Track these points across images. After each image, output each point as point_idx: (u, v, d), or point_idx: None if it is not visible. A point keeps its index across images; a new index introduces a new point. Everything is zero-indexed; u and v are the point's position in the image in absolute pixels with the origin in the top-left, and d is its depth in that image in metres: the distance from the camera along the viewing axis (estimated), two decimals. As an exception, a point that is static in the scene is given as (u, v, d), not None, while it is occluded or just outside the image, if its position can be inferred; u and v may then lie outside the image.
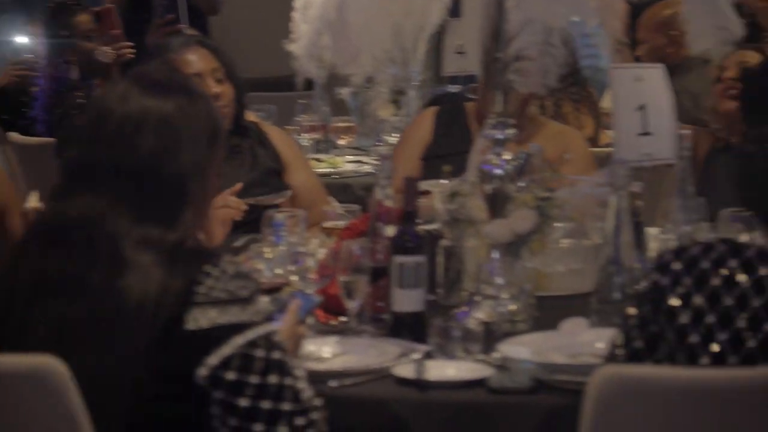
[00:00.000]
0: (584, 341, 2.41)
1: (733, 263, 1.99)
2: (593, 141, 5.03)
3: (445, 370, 2.35)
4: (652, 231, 3.05)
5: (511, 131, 2.82)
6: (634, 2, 5.51)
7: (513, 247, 2.74)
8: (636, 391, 1.83)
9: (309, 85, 3.20)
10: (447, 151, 3.64)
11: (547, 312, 2.73)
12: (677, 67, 4.87)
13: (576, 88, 5.18)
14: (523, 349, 2.37)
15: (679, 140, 2.96)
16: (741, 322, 1.95)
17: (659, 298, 2.02)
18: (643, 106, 3.04)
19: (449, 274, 2.92)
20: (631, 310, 2.05)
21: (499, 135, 2.82)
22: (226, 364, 1.98)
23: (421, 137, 3.75)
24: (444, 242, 2.93)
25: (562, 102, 5.16)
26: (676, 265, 2.02)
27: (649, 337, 2.02)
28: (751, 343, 1.94)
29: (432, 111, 3.88)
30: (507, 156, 2.82)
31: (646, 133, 3.01)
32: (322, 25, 2.81)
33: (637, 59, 5.03)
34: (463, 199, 2.94)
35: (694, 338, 1.97)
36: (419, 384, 2.27)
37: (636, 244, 2.69)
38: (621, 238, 2.64)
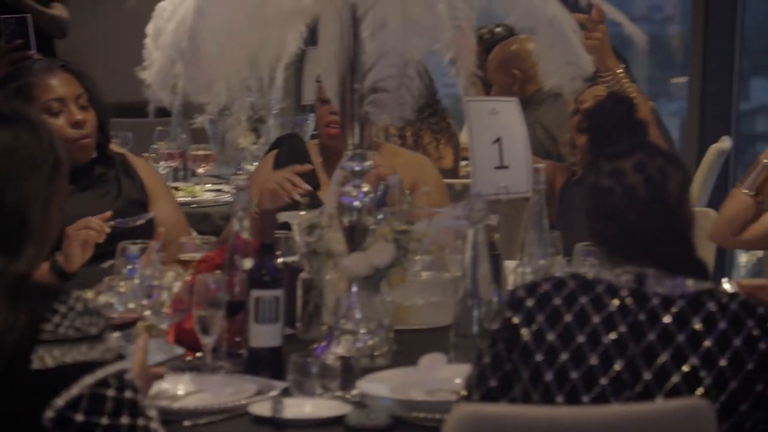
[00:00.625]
0: (443, 377, 2.40)
1: (584, 300, 2.00)
2: (453, 172, 5.06)
3: (302, 407, 2.31)
4: (509, 264, 3.06)
5: (369, 163, 2.81)
6: (486, 39, 5.59)
7: (371, 281, 2.72)
8: (492, 430, 1.81)
9: (164, 112, 3.15)
10: None
11: (407, 346, 2.72)
12: (529, 100, 4.93)
13: (435, 119, 5.21)
14: (382, 386, 2.35)
15: (534, 174, 2.98)
16: (593, 360, 1.97)
17: (512, 336, 2.02)
18: (499, 139, 3.05)
19: (308, 308, 2.89)
20: (485, 349, 2.05)
21: (356, 167, 2.81)
22: (74, 405, 1.90)
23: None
24: (303, 275, 2.90)
25: (422, 132, 5.19)
26: (529, 302, 2.03)
27: (503, 376, 2.02)
28: (603, 381, 1.95)
29: (271, 155, 3.88)
30: (365, 188, 2.81)
31: (502, 167, 3.02)
32: (174, 53, 2.75)
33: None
34: (322, 232, 2.92)
35: (548, 376, 1.97)
36: (275, 422, 2.23)
37: (494, 278, 2.70)
38: (478, 271, 2.64)
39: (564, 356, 1.98)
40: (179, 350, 2.53)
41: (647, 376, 1.96)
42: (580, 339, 1.99)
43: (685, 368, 1.95)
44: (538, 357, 1.99)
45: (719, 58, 7.19)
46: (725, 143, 5.57)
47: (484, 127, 3.06)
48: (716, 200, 6.19)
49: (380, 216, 2.94)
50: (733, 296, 2.02)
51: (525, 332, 2.01)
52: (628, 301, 2.01)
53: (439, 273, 3.06)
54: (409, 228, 2.77)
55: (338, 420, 2.26)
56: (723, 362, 1.95)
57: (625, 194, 2.03)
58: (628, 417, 1.82)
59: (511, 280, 2.97)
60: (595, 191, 2.07)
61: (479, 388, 2.04)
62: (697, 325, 1.98)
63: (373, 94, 2.76)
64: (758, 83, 7.56)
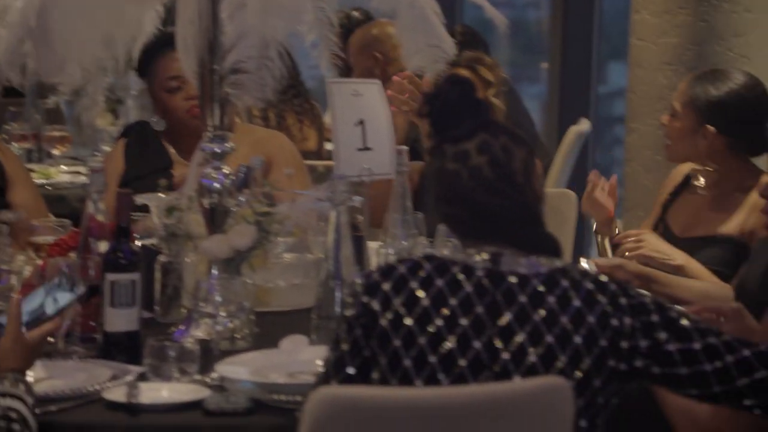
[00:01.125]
0: (304, 359, 2.37)
1: (440, 282, 1.99)
2: (317, 154, 5.03)
3: (159, 392, 2.26)
4: (373, 245, 3.05)
5: (229, 145, 2.76)
6: (343, 24, 5.56)
7: (232, 263, 2.68)
8: (352, 413, 1.80)
9: (16, 91, 3.04)
10: (144, 172, 3.56)
11: (268, 328, 2.68)
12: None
13: (299, 100, 5.17)
14: (242, 369, 2.31)
15: (397, 155, 2.97)
16: (451, 342, 1.96)
17: (370, 322, 2.00)
18: (362, 121, 3.04)
19: (167, 291, 2.84)
20: (342, 335, 2.02)
21: (217, 148, 2.76)
22: None
23: (114, 169, 3.65)
24: (161, 258, 2.84)
25: (285, 114, 5.15)
26: (385, 286, 2.01)
27: (362, 362, 1.99)
28: (462, 362, 1.94)
29: (122, 142, 3.80)
30: (226, 170, 2.76)
31: (365, 148, 3.01)
32: (22, 31, 2.66)
33: None
34: (181, 214, 2.86)
35: (407, 362, 1.95)
36: (130, 408, 2.17)
37: (357, 259, 2.68)
38: (341, 252, 2.62)
39: (422, 340, 1.96)
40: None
41: (505, 355, 1.95)
42: (438, 322, 1.97)
43: (542, 347, 1.96)
44: (396, 342, 1.97)
45: (578, 42, 7.30)
46: (584, 125, 5.65)
47: (347, 109, 3.04)
48: (575, 181, 6.30)
49: (242, 198, 2.90)
50: (586, 274, 2.02)
51: (382, 317, 1.99)
52: (485, 281, 2.00)
53: (302, 255, 3.03)
54: (271, 210, 2.73)
55: (197, 404, 2.21)
56: (578, 339, 1.95)
57: (470, 176, 2.02)
58: (487, 397, 1.81)
59: (374, 262, 2.96)
60: (441, 175, 2.05)
61: (337, 375, 2.00)
62: (552, 304, 1.98)
63: (233, 75, 2.71)
64: (615, 67, 7.71)
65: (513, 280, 2.00)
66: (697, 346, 1.96)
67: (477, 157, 2.02)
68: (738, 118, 3.19)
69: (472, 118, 2.05)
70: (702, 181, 3.31)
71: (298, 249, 3.05)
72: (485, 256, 2.01)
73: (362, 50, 5.18)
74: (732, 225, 3.19)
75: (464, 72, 3.59)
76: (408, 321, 1.97)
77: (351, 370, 1.99)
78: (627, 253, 3.10)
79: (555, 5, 7.39)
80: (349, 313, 2.03)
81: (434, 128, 2.08)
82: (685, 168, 3.40)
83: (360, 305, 2.01)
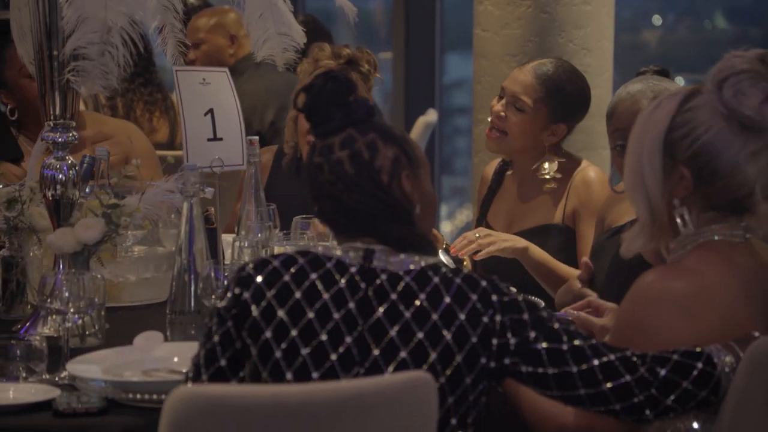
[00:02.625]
0: (159, 356, 2.31)
1: (313, 276, 1.97)
2: (170, 146, 4.92)
3: (5, 393, 2.18)
4: (227, 238, 3.00)
5: (72, 134, 2.67)
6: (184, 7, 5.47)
7: (80, 257, 2.59)
8: (213, 411, 1.75)
9: None
10: None
11: (120, 324, 2.62)
12: (233, 70, 4.86)
13: (148, 89, 5.04)
14: (94, 367, 2.24)
15: (249, 146, 2.92)
16: (323, 336, 1.93)
17: (242, 313, 1.96)
18: (211, 111, 2.97)
19: (10, 287, 2.75)
20: (213, 328, 1.98)
21: (59, 138, 2.66)
22: None
23: None
24: (3, 252, 2.74)
25: (134, 104, 5.02)
26: (258, 279, 1.98)
27: (233, 354, 1.95)
28: (333, 357, 1.92)
29: None
30: (69, 160, 2.67)
31: (215, 139, 2.94)
32: None
33: (191, 63, 4.95)
34: (23, 206, 2.76)
35: (277, 353, 1.92)
36: (-24, 411, 2.08)
37: (211, 252, 2.62)
38: (194, 245, 2.56)
39: (293, 332, 1.94)
40: None
41: (376, 352, 1.94)
42: (310, 315, 1.95)
43: (412, 344, 1.94)
44: (268, 333, 1.94)
45: (421, 32, 7.35)
46: (432, 116, 5.70)
47: (195, 98, 2.96)
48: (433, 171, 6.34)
49: (87, 189, 2.81)
50: (457, 271, 2.01)
51: (254, 309, 1.96)
52: (357, 277, 1.98)
53: (153, 248, 2.96)
54: (120, 202, 2.65)
55: (46, 404, 2.13)
56: (448, 337, 1.95)
57: (331, 171, 2.00)
58: (351, 392, 1.79)
59: (228, 254, 2.91)
60: (308, 169, 2.04)
61: (208, 369, 1.96)
62: (423, 301, 1.96)
63: (74, 62, 2.62)
64: (454, 58, 7.79)
65: (384, 276, 1.98)
66: (564, 347, 1.96)
67: (339, 152, 2.00)
68: (579, 109, 3.26)
69: (344, 114, 2.02)
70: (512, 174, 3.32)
71: (148, 242, 2.97)
72: (358, 252, 2.00)
73: (217, 29, 5.11)
74: (552, 213, 3.23)
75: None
76: (280, 313, 1.95)
77: (222, 362, 1.96)
78: (482, 251, 3.08)
79: (397, -3, 7.42)
80: (220, 304, 1.99)
81: (309, 122, 2.05)
82: (494, 165, 3.42)
83: (232, 297, 1.98)
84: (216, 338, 1.97)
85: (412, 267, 1.99)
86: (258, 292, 1.97)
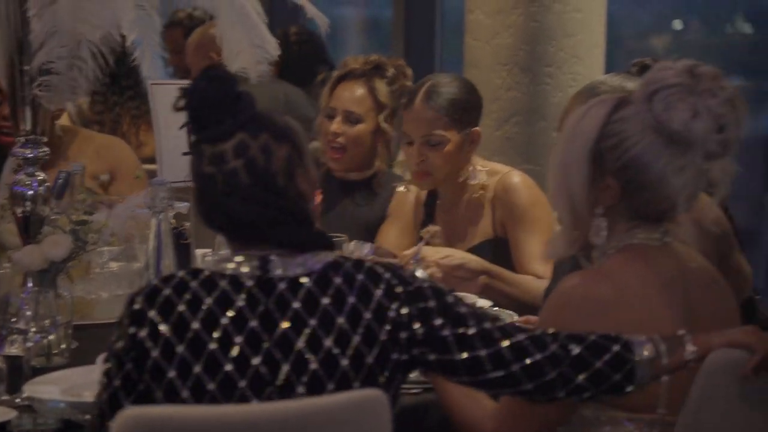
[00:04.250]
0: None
1: (208, 300, 1.87)
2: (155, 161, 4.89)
3: (-37, 414, 2.14)
4: (199, 252, 2.96)
5: (43, 150, 2.64)
6: (185, 23, 5.44)
7: (47, 275, 2.56)
8: (157, 431, 1.71)
9: None
10: None
11: (90, 342, 2.56)
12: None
13: (136, 103, 5.02)
14: (52, 388, 2.20)
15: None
16: (228, 366, 1.84)
17: (141, 354, 1.85)
18: (187, 125, 2.93)
19: (-20, 305, 2.70)
20: (114, 370, 1.87)
21: (29, 153, 2.64)
22: None
23: None
24: (-27, 270, 2.71)
25: (121, 118, 4.99)
26: (151, 313, 1.86)
27: (137, 398, 1.85)
28: (242, 384, 1.83)
29: None
30: (40, 176, 2.64)
31: (190, 153, 2.90)
32: None
33: None
34: (-7, 223, 2.73)
35: (184, 393, 1.83)
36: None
37: (182, 267, 2.58)
38: (162, 261, 2.53)
39: (197, 369, 1.83)
40: None
41: (286, 367, 1.85)
42: (212, 346, 1.84)
43: (322, 353, 1.85)
44: (171, 374, 1.84)
45: (420, 42, 7.32)
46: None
47: (171, 112, 2.92)
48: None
49: (59, 206, 2.78)
50: (359, 266, 1.92)
51: (153, 349, 1.84)
52: (255, 290, 1.88)
53: (127, 264, 2.92)
54: (88, 218, 2.62)
55: (2, 427, 2.10)
56: (357, 339, 1.87)
57: (225, 182, 1.89)
58: (298, 412, 1.74)
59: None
60: (199, 178, 1.93)
61: (113, 413, 1.82)
62: (327, 306, 1.88)
63: (41, 77, 2.60)
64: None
65: (283, 285, 1.89)
66: (471, 331, 1.90)
67: (233, 161, 1.90)
68: (479, 109, 3.19)
69: (232, 116, 1.91)
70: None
71: (124, 258, 2.94)
72: (253, 263, 1.89)
73: (198, 50, 5.08)
74: (484, 228, 3.18)
75: (359, 84, 3.46)
76: (180, 349, 1.84)
77: (127, 405, 1.85)
78: (435, 268, 3.01)
79: (396, 6, 7.39)
80: (118, 346, 1.88)
81: (192, 125, 1.95)
82: (408, 194, 3.35)
83: (128, 338, 1.86)
84: (117, 382, 1.87)
85: (312, 268, 1.90)
86: (153, 329, 1.85)
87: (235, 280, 1.88)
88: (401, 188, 3.34)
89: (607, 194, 2.08)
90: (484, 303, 2.84)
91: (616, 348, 1.91)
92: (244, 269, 1.89)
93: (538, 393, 1.92)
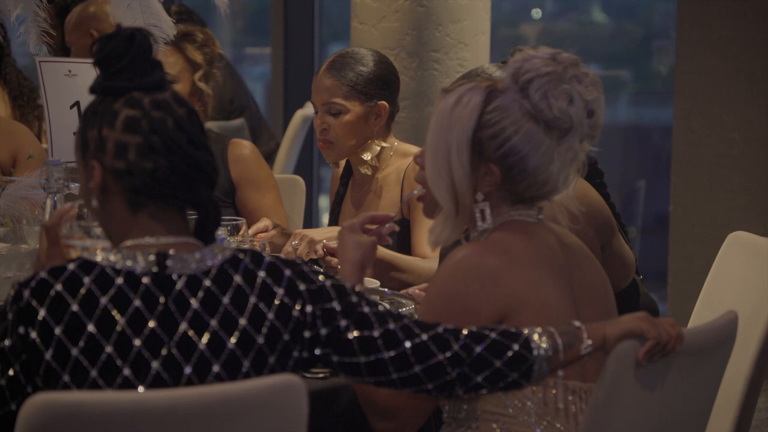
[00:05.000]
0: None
1: (104, 300, 1.79)
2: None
3: None
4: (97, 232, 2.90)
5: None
6: (58, 2, 5.32)
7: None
8: (71, 419, 1.67)
9: None
10: None
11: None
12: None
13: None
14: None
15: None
16: (126, 370, 1.79)
17: (33, 356, 1.77)
18: (78, 103, 2.88)
19: None
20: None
21: None
22: None
23: None
24: None
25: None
26: (42, 312, 1.77)
27: (23, 400, 1.74)
28: (141, 389, 1.79)
29: None
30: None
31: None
32: None
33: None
34: None
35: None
36: None
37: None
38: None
39: (93, 373, 1.76)
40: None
41: (188, 370, 1.79)
42: (108, 350, 1.76)
43: (224, 355, 1.81)
44: (65, 378, 1.76)
45: (300, 25, 7.29)
46: (310, 109, 5.63)
47: (61, 91, 2.87)
48: (301, 166, 6.28)
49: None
50: (259, 261, 1.88)
51: (46, 352, 1.76)
52: (152, 288, 1.81)
53: (16, 245, 2.85)
54: (-22, 199, 2.55)
55: None
56: (260, 341, 1.83)
57: (178, 126, 1.83)
58: (216, 397, 1.71)
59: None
60: (142, 124, 1.83)
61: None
62: (227, 306, 1.83)
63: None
64: (336, 49, 7.75)
65: (182, 283, 1.82)
66: (376, 333, 1.89)
67: (178, 108, 1.85)
68: (393, 85, 3.21)
69: (162, 70, 1.86)
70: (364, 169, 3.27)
71: (11, 239, 2.87)
72: (148, 256, 1.82)
73: (78, 27, 4.97)
74: (392, 209, 3.19)
75: (170, 50, 3.42)
76: (74, 352, 1.76)
77: (13, 407, 1.78)
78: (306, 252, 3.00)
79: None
80: (5, 343, 1.78)
81: (125, 72, 1.83)
82: (339, 170, 3.37)
83: (17, 338, 1.77)
84: (2, 381, 1.78)
85: (211, 263, 1.84)
86: (45, 330, 1.76)
87: (131, 276, 1.80)
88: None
89: (487, 180, 2.11)
90: (371, 282, 2.83)
91: (515, 347, 1.92)
92: (139, 264, 1.82)
93: (437, 391, 1.93)
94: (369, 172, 3.18)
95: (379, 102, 3.15)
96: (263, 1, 8.10)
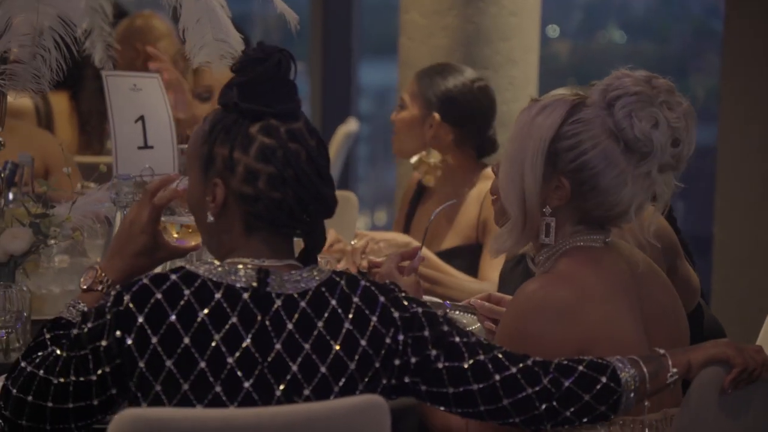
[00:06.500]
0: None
1: (201, 314, 1.79)
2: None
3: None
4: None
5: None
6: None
7: (5, 269, 2.49)
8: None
9: None
10: None
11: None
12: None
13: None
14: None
15: (180, 155, 2.85)
16: (218, 387, 1.78)
17: (127, 361, 1.77)
18: (142, 118, 2.89)
19: None
20: (91, 365, 1.79)
21: (-17, 144, 2.57)
22: None
23: None
24: None
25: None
26: (140, 318, 1.77)
27: (107, 399, 1.80)
28: (232, 408, 1.79)
29: None
30: (-7, 167, 2.58)
31: (146, 146, 2.86)
32: None
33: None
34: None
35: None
36: None
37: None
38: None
39: (185, 386, 1.75)
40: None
41: (278, 392, 1.79)
42: (201, 365, 1.76)
43: (316, 379, 1.80)
44: (158, 387, 1.76)
45: (338, 41, 7.30)
46: (352, 125, 5.65)
47: (126, 105, 2.88)
48: (343, 182, 6.28)
49: (10, 197, 2.71)
50: (353, 285, 1.87)
51: (140, 360, 1.76)
52: (251, 305, 1.80)
53: (78, 258, 2.86)
54: (48, 211, 2.55)
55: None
56: (352, 366, 1.82)
57: (310, 158, 1.84)
58: (302, 416, 1.72)
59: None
60: (276, 154, 1.84)
61: (76, 401, 1.79)
62: (322, 330, 1.82)
63: (3, 65, 2.53)
64: (375, 65, 7.75)
65: (279, 302, 1.81)
66: (465, 365, 1.88)
67: (310, 139, 1.86)
68: (463, 111, 3.25)
69: (297, 95, 1.88)
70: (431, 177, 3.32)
71: (72, 253, 2.88)
72: (249, 272, 1.82)
73: (123, 41, 5.00)
74: (466, 231, 3.20)
75: None
76: (168, 363, 1.76)
77: (95, 402, 1.80)
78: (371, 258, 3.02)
79: (313, 3, 7.36)
80: (101, 343, 1.79)
81: (261, 98, 1.84)
82: (417, 176, 3.41)
83: (114, 341, 1.77)
84: (93, 377, 1.79)
85: (308, 285, 1.84)
86: (142, 338, 1.76)
87: (231, 291, 1.80)
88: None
89: (558, 194, 2.09)
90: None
91: (603, 379, 1.91)
92: (241, 279, 1.82)
93: (524, 424, 1.92)
94: (430, 183, 3.23)
95: (434, 114, 3.20)
96: (302, 17, 8.13)
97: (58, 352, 1.83)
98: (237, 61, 1.86)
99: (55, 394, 1.81)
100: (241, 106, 1.84)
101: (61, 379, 1.81)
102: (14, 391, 1.84)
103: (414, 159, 3.30)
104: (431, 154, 3.28)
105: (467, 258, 3.13)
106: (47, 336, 1.93)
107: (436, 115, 3.21)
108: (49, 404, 1.81)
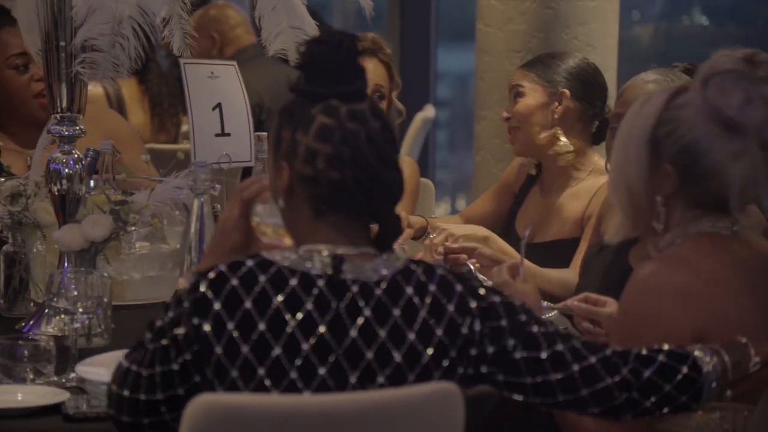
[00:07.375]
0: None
1: (276, 301, 1.79)
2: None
3: (13, 395, 2.12)
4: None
5: (79, 128, 2.61)
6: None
7: (86, 255, 2.54)
8: (233, 420, 1.69)
9: None
10: None
11: (125, 324, 2.56)
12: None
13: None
14: (102, 370, 2.17)
15: (257, 142, 2.86)
16: (293, 373, 1.78)
17: (204, 348, 1.78)
18: (219, 105, 2.91)
19: (12, 283, 2.70)
20: (172, 354, 1.81)
21: (65, 131, 2.61)
22: None
23: None
24: (6, 247, 2.68)
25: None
26: (216, 305, 1.78)
27: (192, 387, 1.79)
28: (306, 393, 1.79)
29: None
30: (76, 154, 2.61)
31: (223, 134, 2.88)
32: None
33: None
34: (27, 201, 2.70)
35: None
36: (-18, 414, 2.01)
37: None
38: (204, 243, 2.50)
39: (261, 371, 1.76)
40: None
41: (353, 379, 1.78)
42: (277, 351, 1.77)
43: (390, 368, 1.79)
44: (234, 373, 1.77)
45: (416, 26, 7.28)
46: (430, 112, 5.63)
47: (203, 92, 2.90)
48: (424, 167, 6.27)
49: (92, 184, 2.75)
50: (430, 274, 1.86)
51: (217, 347, 1.77)
52: (326, 292, 1.80)
53: (157, 245, 2.89)
54: (128, 198, 2.59)
55: (55, 408, 2.08)
56: (427, 355, 1.80)
57: (369, 139, 1.83)
58: (375, 403, 1.73)
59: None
60: (336, 134, 1.83)
61: (165, 391, 1.81)
62: (398, 318, 1.81)
63: (84, 54, 2.57)
64: (454, 50, 7.72)
65: (355, 288, 1.81)
66: (543, 354, 1.86)
67: (373, 121, 1.84)
68: (588, 86, 3.18)
69: (363, 77, 1.87)
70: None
71: (152, 239, 2.91)
72: (325, 259, 1.82)
73: (199, 30, 5.04)
74: (571, 220, 3.15)
75: (370, 61, 3.45)
76: (245, 349, 1.77)
77: (180, 391, 1.81)
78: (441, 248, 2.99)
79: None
80: (179, 331, 1.80)
81: (323, 79, 1.84)
82: (514, 170, 3.35)
83: (192, 329, 1.78)
84: (175, 366, 1.80)
85: (383, 273, 1.83)
86: (219, 324, 1.77)
87: (306, 278, 1.81)
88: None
89: (667, 183, 2.07)
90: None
91: (684, 369, 1.89)
92: (316, 266, 1.82)
93: (603, 415, 1.91)
94: (569, 160, 3.15)
95: (564, 90, 3.13)
96: (379, 3, 8.12)
97: (146, 345, 1.86)
98: (301, 44, 1.87)
99: (146, 386, 1.83)
100: (303, 88, 1.86)
101: (149, 371, 1.83)
102: (114, 387, 1.87)
103: (561, 141, 3.16)
104: (564, 144, 3.17)
105: (567, 252, 3.08)
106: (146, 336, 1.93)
107: (566, 91, 3.14)
108: (142, 396, 1.83)
